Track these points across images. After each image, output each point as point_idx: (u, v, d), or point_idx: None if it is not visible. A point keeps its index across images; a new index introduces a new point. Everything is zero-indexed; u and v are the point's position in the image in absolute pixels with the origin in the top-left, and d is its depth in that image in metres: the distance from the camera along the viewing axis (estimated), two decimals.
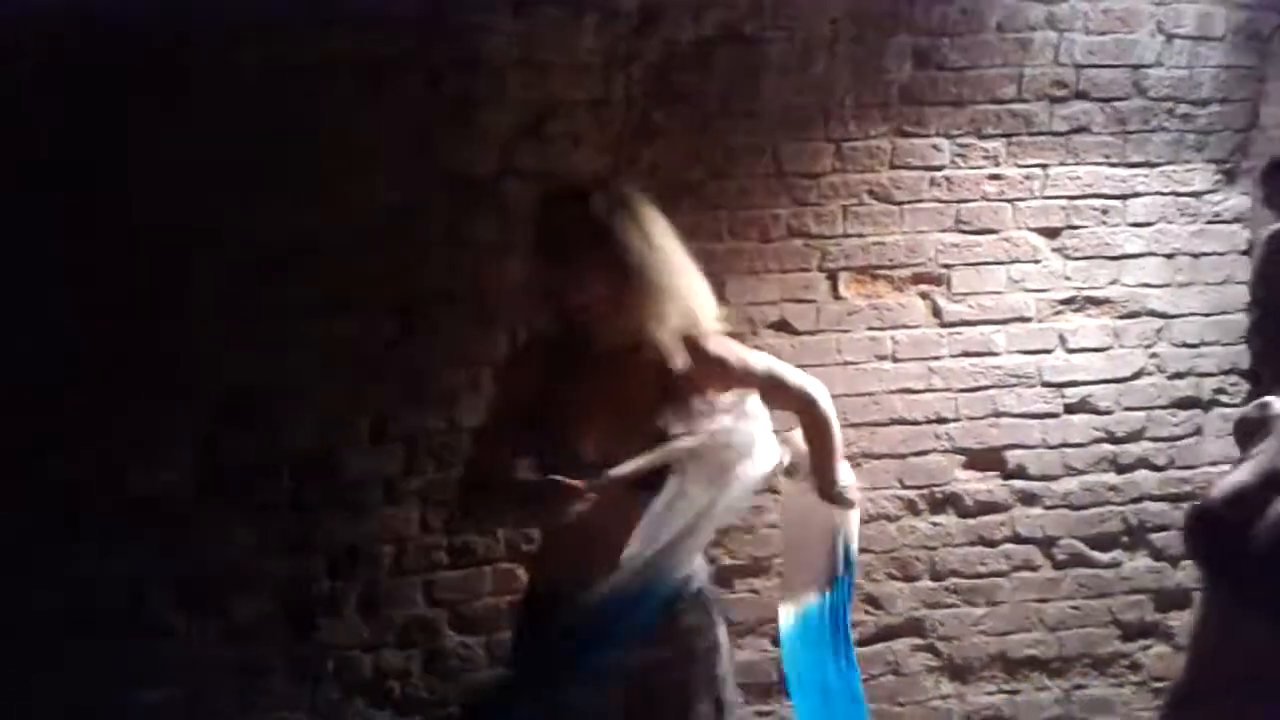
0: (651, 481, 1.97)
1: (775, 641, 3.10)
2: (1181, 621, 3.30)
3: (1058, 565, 3.26)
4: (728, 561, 3.07)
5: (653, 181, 2.93)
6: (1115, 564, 3.28)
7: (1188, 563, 3.30)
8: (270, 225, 2.74)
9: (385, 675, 2.91)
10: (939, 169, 3.13)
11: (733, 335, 3.00)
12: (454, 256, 2.87)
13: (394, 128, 2.82)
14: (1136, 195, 3.26)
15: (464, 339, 2.89)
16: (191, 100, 2.70)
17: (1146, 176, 3.25)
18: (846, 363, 3.12)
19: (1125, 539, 3.29)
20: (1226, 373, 3.33)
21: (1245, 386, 3.33)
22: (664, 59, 2.93)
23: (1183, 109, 3.24)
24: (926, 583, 3.19)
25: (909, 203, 3.13)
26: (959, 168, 3.14)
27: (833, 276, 3.11)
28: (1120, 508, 3.28)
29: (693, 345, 2.09)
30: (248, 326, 2.76)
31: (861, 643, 3.14)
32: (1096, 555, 3.28)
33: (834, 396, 3.04)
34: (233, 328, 2.76)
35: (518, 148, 2.88)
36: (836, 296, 3.11)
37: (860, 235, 3.11)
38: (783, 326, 3.08)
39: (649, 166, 2.94)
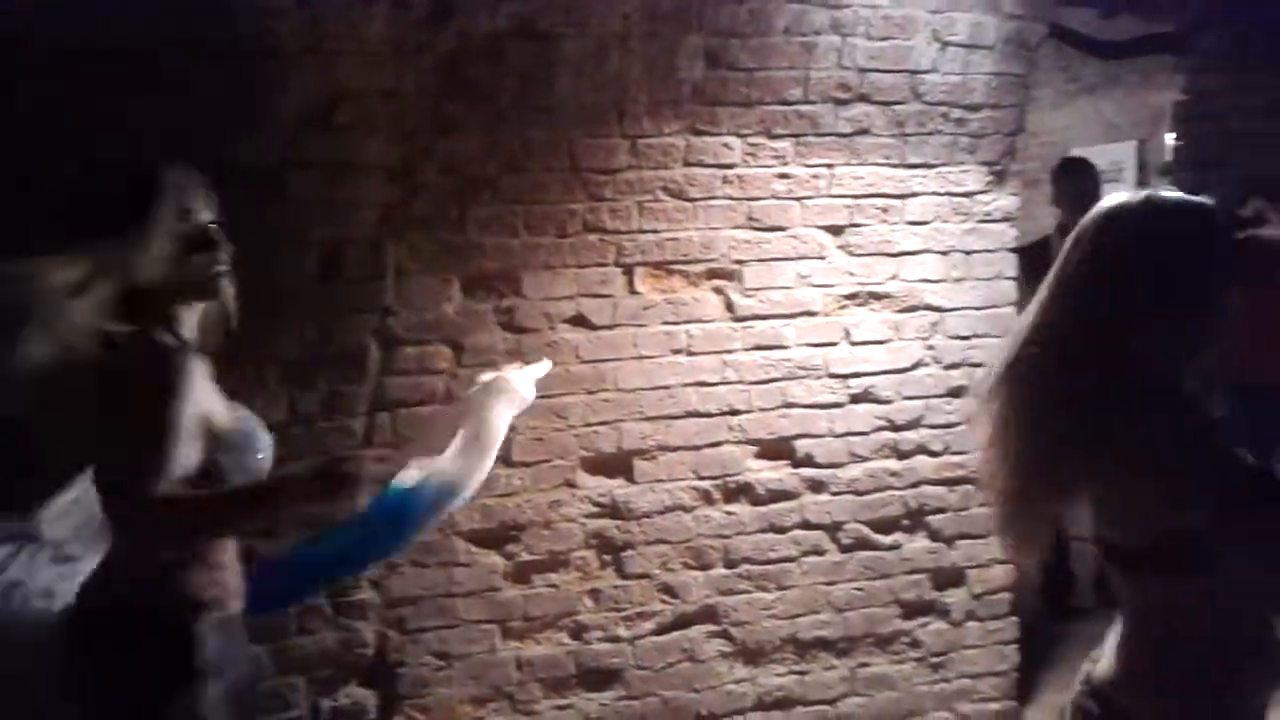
0: None
1: (573, 635, 3.13)
2: (956, 598, 3.50)
3: (844, 549, 3.40)
4: (526, 557, 3.07)
5: (447, 174, 2.91)
6: (896, 546, 3.44)
7: (962, 543, 3.50)
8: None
9: None
10: (731, 167, 3.21)
11: (529, 331, 3.03)
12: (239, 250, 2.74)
13: (176, 116, 2.67)
14: (914, 195, 3.42)
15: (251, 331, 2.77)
16: None
17: (923, 177, 3.42)
18: (642, 356, 3.16)
19: (905, 522, 3.46)
20: None
21: None
22: (457, 51, 2.89)
23: (956, 113, 3.42)
24: (720, 570, 3.27)
25: (702, 200, 3.19)
26: (750, 166, 3.22)
27: (629, 271, 3.14)
28: (901, 492, 3.44)
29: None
30: None
31: (658, 631, 3.21)
32: (879, 538, 3.43)
33: (630, 390, 3.15)
34: None
35: (306, 138, 2.79)
36: (632, 291, 3.15)
37: (655, 231, 3.15)
38: (580, 321, 3.09)
39: (443, 159, 2.90)
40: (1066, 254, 1.60)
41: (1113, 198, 1.61)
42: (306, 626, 2.87)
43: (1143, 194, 1.59)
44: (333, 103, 2.80)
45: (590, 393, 3.11)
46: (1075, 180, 4.55)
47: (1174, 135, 4.63)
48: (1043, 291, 1.61)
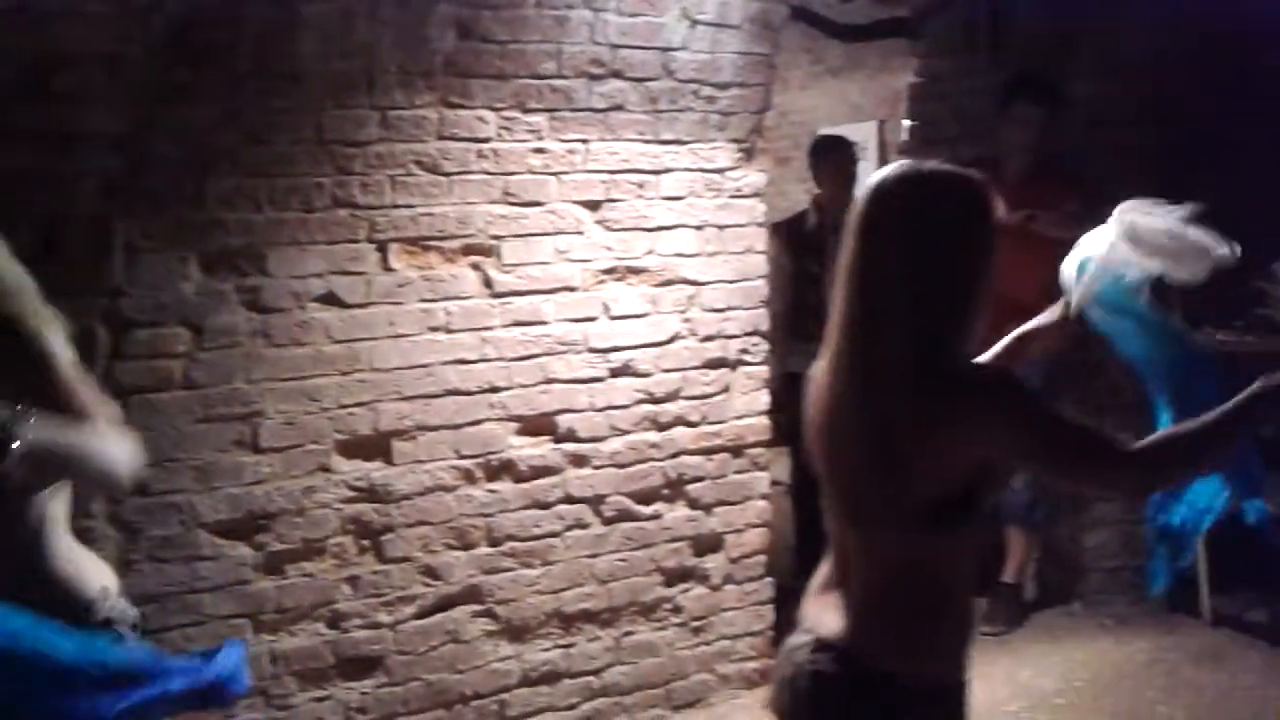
0: None
1: (330, 624, 3.04)
2: (715, 563, 3.61)
3: (606, 521, 3.44)
4: (278, 546, 2.95)
5: (181, 145, 2.74)
6: (657, 515, 3.51)
7: (720, 509, 3.61)
8: None
9: None
10: (485, 141, 3.16)
11: (277, 310, 2.91)
12: None
13: None
14: (669, 171, 3.47)
15: None
16: None
17: (677, 153, 3.48)
18: (399, 335, 3.08)
19: (666, 492, 3.53)
20: (749, 334, 3.65)
21: (765, 347, 3.67)
22: (187, 13, 2.70)
23: (706, 91, 3.48)
24: (484, 549, 3.24)
25: (457, 174, 3.13)
26: (505, 140, 3.19)
27: (382, 248, 3.05)
28: (661, 463, 3.51)
29: None
30: None
31: (420, 615, 3.16)
32: (640, 509, 3.49)
33: (387, 370, 3.06)
34: None
35: (15, 107, 2.55)
36: (387, 268, 3.06)
37: (409, 206, 3.07)
38: (331, 300, 2.98)
39: (176, 128, 2.72)
40: (846, 242, 1.62)
41: (879, 173, 1.65)
42: None
43: (909, 166, 1.64)
44: (47, 68, 2.57)
45: (344, 374, 3.01)
46: (833, 156, 4.71)
47: (910, 116, 4.88)
48: (838, 286, 1.64)
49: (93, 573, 1.83)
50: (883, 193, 1.61)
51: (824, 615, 1.70)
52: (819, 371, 1.70)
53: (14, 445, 1.58)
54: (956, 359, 1.60)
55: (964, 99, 4.52)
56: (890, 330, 1.57)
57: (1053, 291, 2.10)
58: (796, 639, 1.73)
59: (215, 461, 2.84)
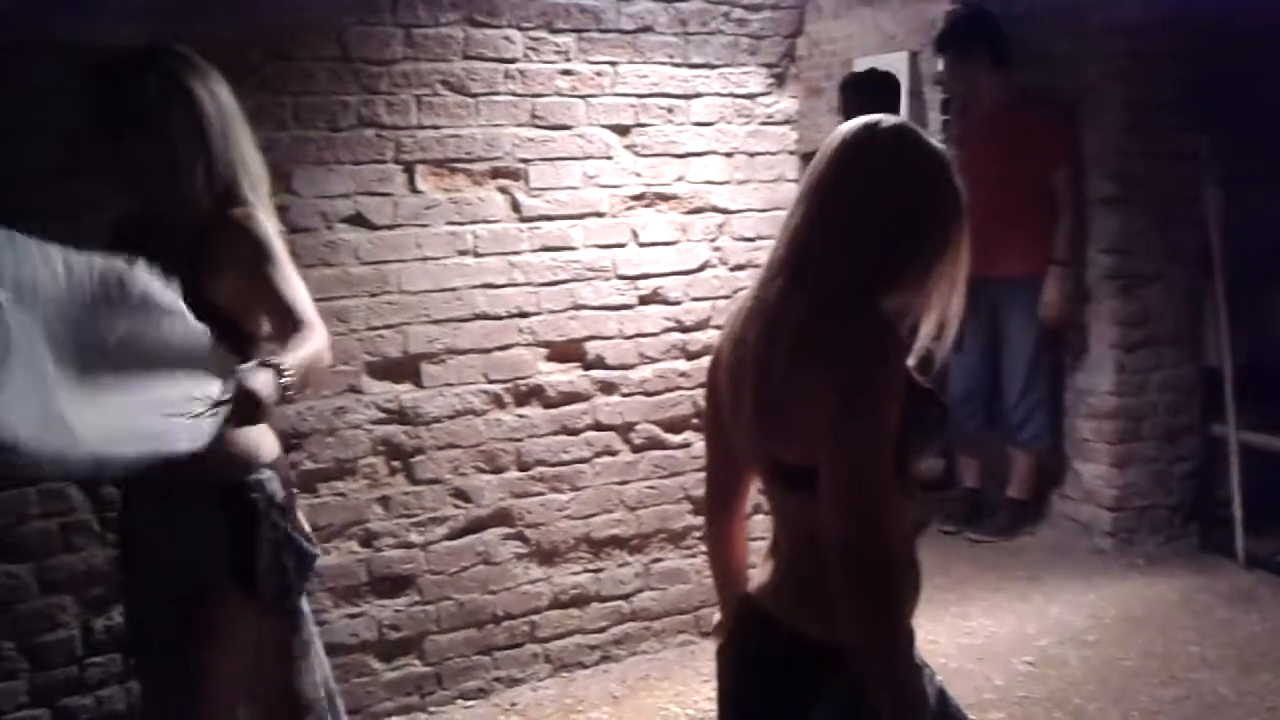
0: None
1: (363, 543, 3.06)
2: None
3: (635, 449, 3.43)
4: (310, 465, 2.96)
5: (206, 60, 2.70)
6: (686, 444, 3.49)
7: None
8: None
9: None
10: (512, 61, 3.12)
11: (304, 230, 2.90)
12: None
13: None
14: (698, 95, 3.42)
15: None
16: None
17: (707, 78, 3.43)
18: (427, 258, 3.07)
19: (695, 421, 3.51)
20: None
21: None
22: None
23: (737, 13, 3.43)
24: (514, 473, 3.24)
25: (484, 95, 3.10)
26: (532, 61, 3.15)
27: (409, 169, 3.03)
28: (690, 392, 3.49)
29: (240, 220, 2.02)
30: None
31: (451, 536, 3.17)
32: (669, 437, 3.48)
33: (416, 292, 3.06)
34: None
35: (43, 16, 2.54)
36: (414, 190, 3.04)
37: (436, 127, 3.04)
38: (358, 221, 2.97)
39: (197, 45, 2.68)
40: (818, 161, 1.58)
41: (870, 118, 1.59)
42: (73, 544, 2.69)
43: (898, 121, 1.59)
44: None
45: (373, 295, 3.00)
46: (875, 94, 4.63)
47: None
48: (794, 204, 1.60)
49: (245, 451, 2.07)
50: (869, 133, 1.56)
51: (760, 573, 1.69)
52: (742, 302, 1.65)
53: (288, 377, 1.85)
54: (859, 313, 1.51)
55: (1010, 25, 4.41)
56: (818, 275, 1.52)
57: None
58: (738, 601, 1.73)
59: None
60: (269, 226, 2.06)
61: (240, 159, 2.06)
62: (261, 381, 1.82)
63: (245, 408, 1.80)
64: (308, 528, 2.21)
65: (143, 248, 1.86)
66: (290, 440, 2.92)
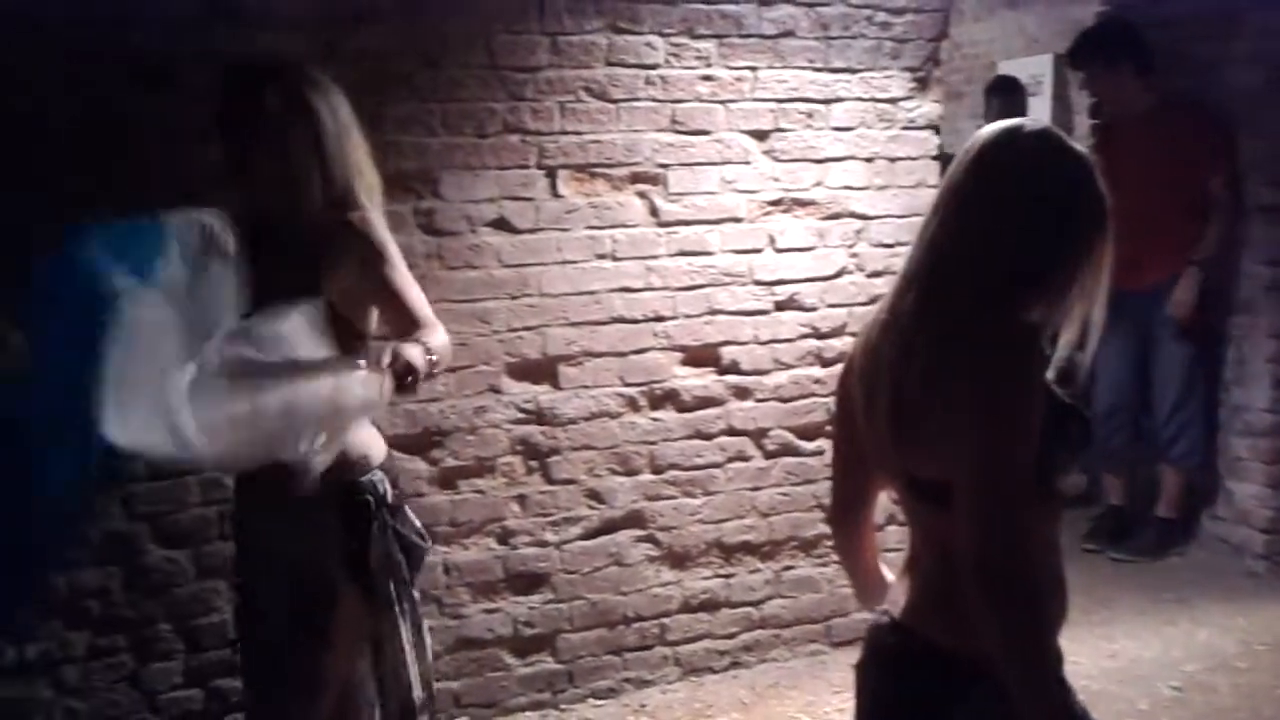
0: None
1: (500, 540, 3.12)
2: (878, 502, 3.54)
3: (768, 455, 3.42)
4: (452, 463, 3.04)
5: (360, 69, 2.81)
6: (820, 452, 3.46)
7: None
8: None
9: (82, 594, 2.71)
10: (654, 68, 3.15)
11: (450, 234, 2.98)
12: (146, 144, 2.64)
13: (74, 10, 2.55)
14: (839, 100, 3.39)
15: None
16: None
17: (848, 82, 3.40)
18: (567, 261, 3.12)
19: (829, 428, 3.47)
20: None
21: None
22: None
23: (880, 17, 3.39)
24: (647, 476, 3.27)
25: (625, 101, 3.13)
26: (673, 67, 3.17)
27: (551, 174, 3.08)
28: (824, 399, 3.46)
29: (358, 224, 2.11)
30: None
31: (585, 536, 3.21)
32: (803, 444, 3.46)
33: (555, 295, 3.10)
34: None
35: (209, 28, 2.67)
36: (555, 195, 3.09)
37: (578, 133, 3.09)
38: (502, 225, 3.04)
39: (355, 53, 2.80)
40: (955, 167, 1.53)
41: (1011, 122, 1.55)
42: (229, 531, 2.80)
43: (1040, 125, 1.55)
44: None
45: (514, 298, 3.06)
46: (1007, 98, 4.58)
47: None
48: (930, 212, 1.56)
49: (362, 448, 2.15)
50: (1009, 139, 1.51)
51: (899, 588, 1.66)
52: (876, 311, 1.61)
53: (435, 355, 1.99)
54: (997, 325, 1.46)
55: (1152, 31, 4.26)
56: (956, 285, 1.48)
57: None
58: (873, 614, 1.70)
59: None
60: (384, 230, 2.15)
61: (355, 168, 2.14)
62: (415, 354, 1.93)
63: (404, 376, 1.89)
64: (419, 524, 2.27)
65: (261, 247, 1.98)
66: (432, 437, 3.01)
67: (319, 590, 2.12)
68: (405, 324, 2.10)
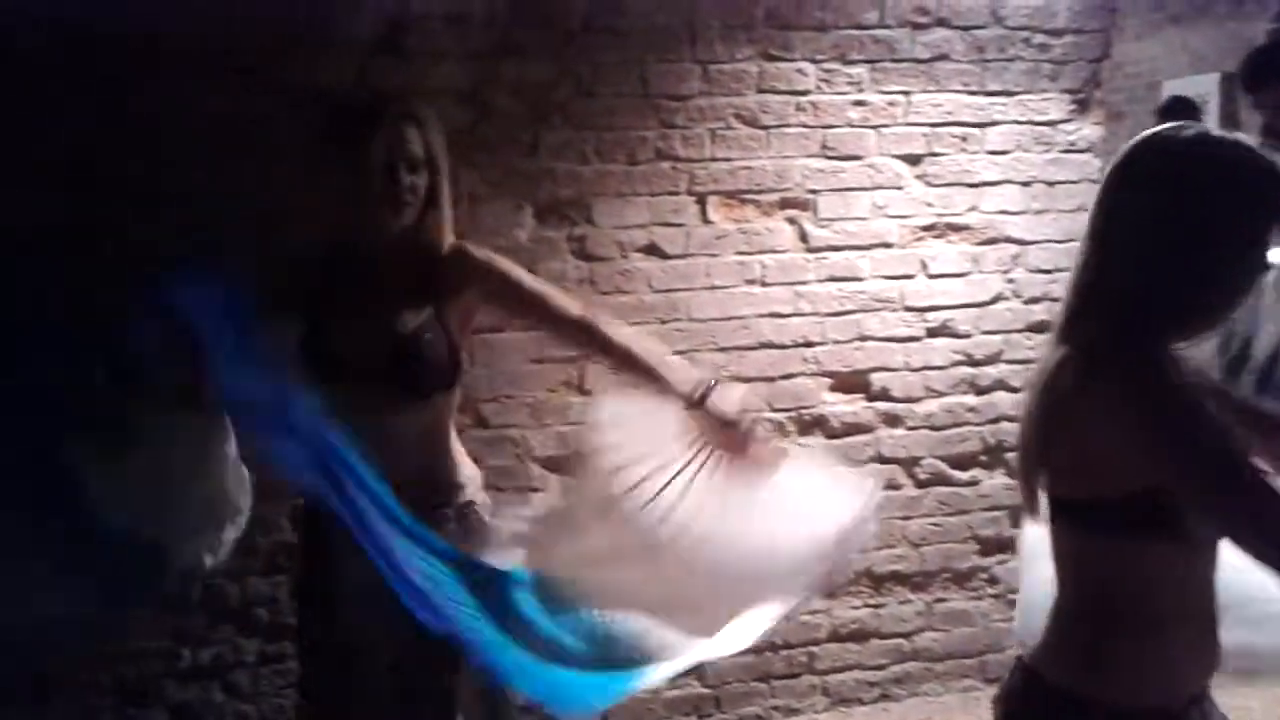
0: None
1: None
2: None
3: (920, 484, 3.35)
4: None
5: (518, 98, 2.90)
6: (974, 482, 3.39)
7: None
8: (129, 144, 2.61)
9: (252, 603, 2.83)
10: (804, 94, 3.15)
11: (602, 259, 3.03)
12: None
13: (248, 40, 2.69)
14: (994, 123, 3.33)
15: None
16: None
17: (1004, 105, 3.33)
18: (715, 287, 3.13)
19: (983, 458, 3.40)
20: None
21: None
22: None
23: (1038, 38, 3.32)
24: None
25: (775, 127, 3.14)
26: (824, 93, 3.17)
27: (701, 200, 3.10)
28: (979, 428, 3.38)
29: (457, 251, 2.14)
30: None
31: None
32: (956, 474, 3.38)
33: (704, 320, 3.12)
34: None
35: (375, 64, 2.78)
36: (705, 220, 3.11)
37: (728, 159, 3.11)
38: (652, 250, 3.07)
39: (512, 84, 2.89)
40: (1106, 187, 1.45)
41: (1162, 128, 1.45)
42: None
43: (1196, 128, 1.43)
44: (402, 27, 2.80)
45: (663, 322, 3.09)
46: (1165, 119, 4.40)
47: None
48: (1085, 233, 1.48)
49: (468, 464, 2.20)
50: (1130, 155, 1.43)
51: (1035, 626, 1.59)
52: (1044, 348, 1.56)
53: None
54: (1151, 354, 1.38)
55: None
56: (1102, 306, 1.42)
57: None
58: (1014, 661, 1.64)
59: (545, 400, 2.99)
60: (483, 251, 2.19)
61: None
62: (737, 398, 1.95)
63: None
64: None
65: (368, 280, 2.07)
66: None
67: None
68: (566, 324, 2.14)
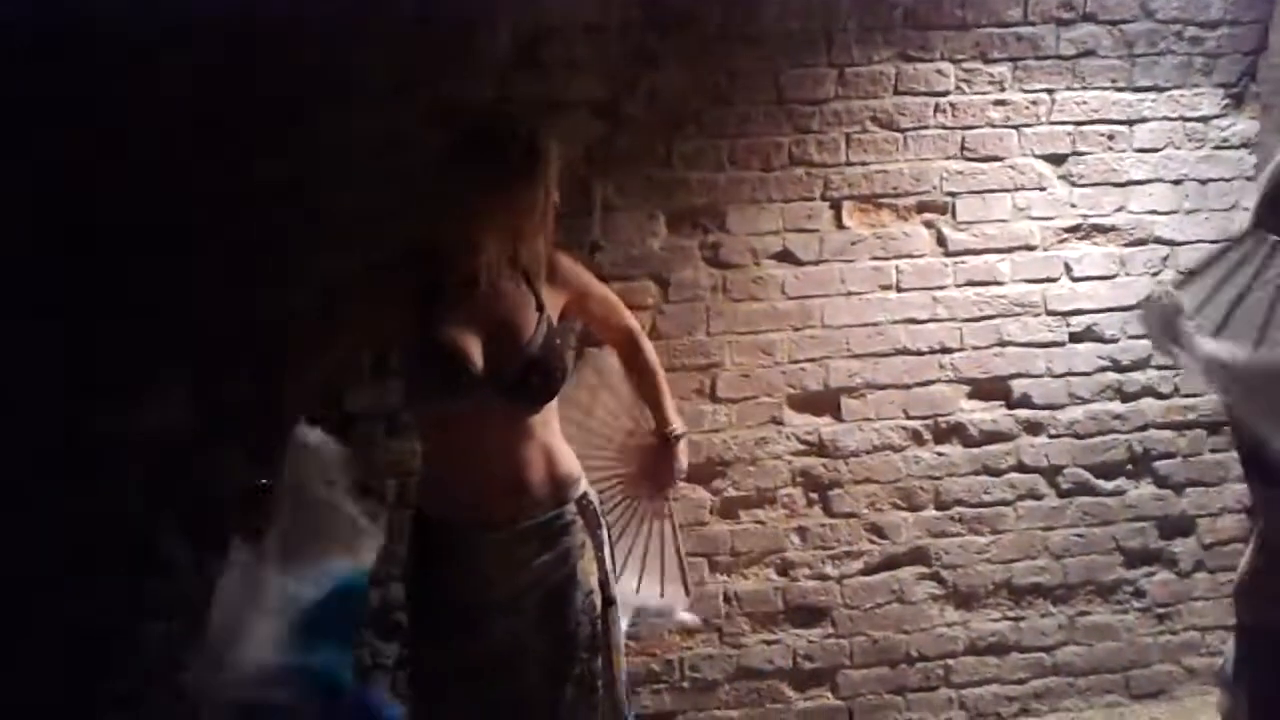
0: None
1: (780, 571, 3.12)
2: (1184, 548, 3.31)
3: (1062, 494, 3.26)
4: (733, 493, 3.07)
5: (652, 109, 2.91)
6: (1120, 492, 3.28)
7: (1192, 490, 3.30)
8: (265, 161, 2.71)
9: (392, 608, 2.91)
10: (943, 95, 3.08)
11: (735, 266, 3.02)
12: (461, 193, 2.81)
13: (384, 56, 2.77)
14: (1143, 120, 3.21)
15: None
16: None
17: (1154, 101, 3.21)
18: (850, 293, 3.09)
19: (1130, 467, 3.28)
20: None
21: None
22: None
23: (1191, 31, 3.18)
24: (931, 512, 3.18)
25: (913, 130, 3.08)
26: (964, 93, 3.09)
27: (836, 206, 3.07)
28: (1125, 436, 3.27)
29: (559, 261, 2.27)
30: (248, 264, 2.74)
31: (866, 572, 3.16)
32: (1101, 483, 3.27)
33: (838, 327, 3.09)
34: (233, 266, 2.74)
35: (513, 75, 2.83)
36: (840, 226, 3.08)
37: (863, 163, 3.07)
38: (785, 257, 3.05)
39: (647, 93, 2.90)
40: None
41: None
42: None
43: None
44: (538, 39, 2.84)
45: (797, 329, 3.07)
46: None
47: None
48: None
49: (574, 455, 2.28)
50: None
51: None
52: None
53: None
54: None
55: None
56: None
57: None
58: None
59: (679, 408, 2.99)
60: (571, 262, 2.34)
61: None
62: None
63: None
64: None
65: (496, 295, 2.14)
66: (716, 467, 3.06)
67: (589, 604, 2.23)
68: (621, 331, 2.43)
